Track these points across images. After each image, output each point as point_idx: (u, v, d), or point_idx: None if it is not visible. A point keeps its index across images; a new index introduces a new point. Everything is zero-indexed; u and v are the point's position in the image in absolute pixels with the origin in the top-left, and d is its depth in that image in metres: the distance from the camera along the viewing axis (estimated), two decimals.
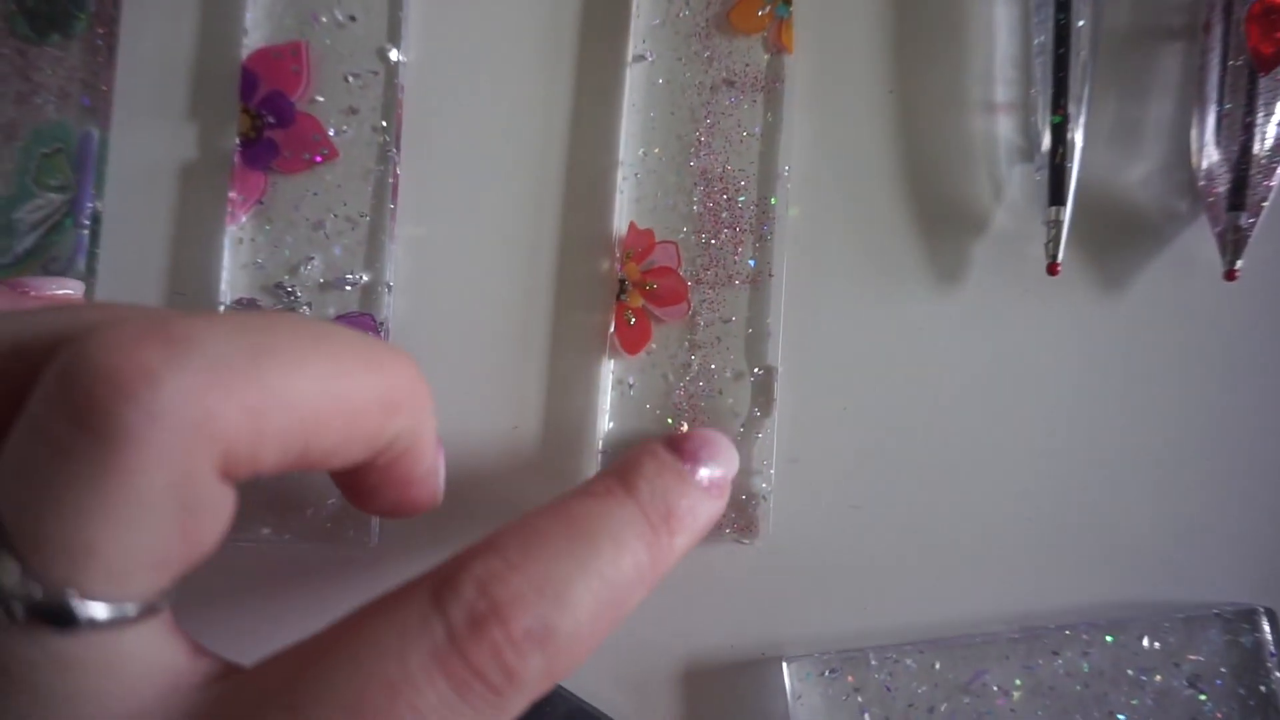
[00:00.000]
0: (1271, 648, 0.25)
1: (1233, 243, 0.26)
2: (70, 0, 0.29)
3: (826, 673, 0.25)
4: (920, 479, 0.27)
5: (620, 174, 0.27)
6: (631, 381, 0.26)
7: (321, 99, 0.28)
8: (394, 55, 0.28)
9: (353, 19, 0.28)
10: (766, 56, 0.28)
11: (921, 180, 0.28)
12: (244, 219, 0.27)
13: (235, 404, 0.13)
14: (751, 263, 0.27)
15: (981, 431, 0.27)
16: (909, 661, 0.25)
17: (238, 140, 0.28)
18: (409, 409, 0.17)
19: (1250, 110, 0.26)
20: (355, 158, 0.28)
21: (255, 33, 0.28)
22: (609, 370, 0.27)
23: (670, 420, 0.26)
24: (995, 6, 0.29)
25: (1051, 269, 0.26)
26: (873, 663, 0.25)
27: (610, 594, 0.16)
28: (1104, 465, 0.27)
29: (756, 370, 0.26)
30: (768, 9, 0.28)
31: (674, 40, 0.28)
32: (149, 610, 0.14)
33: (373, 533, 0.26)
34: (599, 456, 0.26)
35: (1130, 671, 0.25)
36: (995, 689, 0.25)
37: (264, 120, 0.28)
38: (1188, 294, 0.27)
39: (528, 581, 0.15)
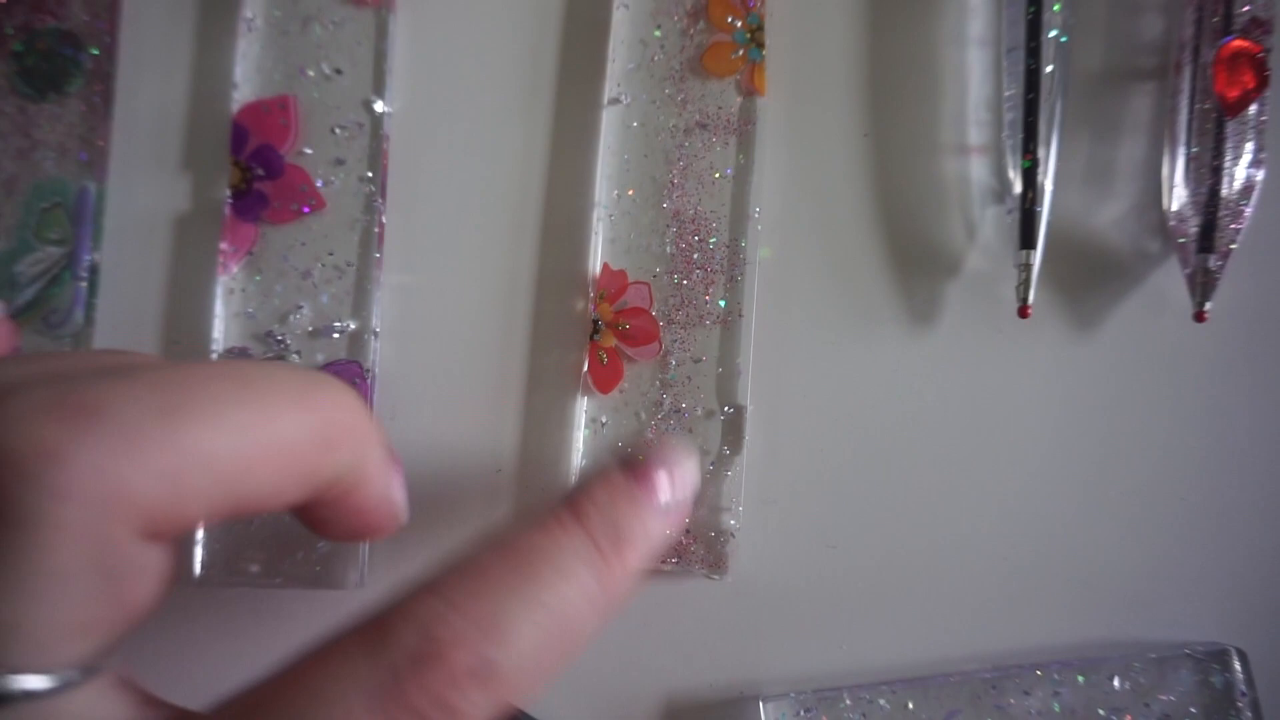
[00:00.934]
0: (1242, 687, 0.25)
1: (1202, 284, 0.26)
2: (68, 59, 0.30)
3: (802, 712, 0.25)
4: (894, 519, 0.27)
5: (595, 215, 0.28)
6: (604, 419, 0.27)
7: (309, 151, 0.29)
8: (379, 106, 0.29)
9: (339, 72, 0.29)
10: (739, 99, 0.28)
11: (895, 221, 0.28)
12: (235, 269, 0.28)
13: (148, 470, 0.14)
14: (722, 303, 0.27)
15: (955, 471, 0.27)
16: (882, 701, 0.25)
17: (229, 192, 0.28)
18: (348, 443, 0.17)
19: (1218, 153, 0.26)
20: (342, 207, 0.29)
21: (245, 87, 0.29)
22: (582, 408, 0.27)
23: (641, 459, 0.27)
24: (968, 51, 0.29)
25: (1023, 311, 0.26)
26: (847, 702, 0.25)
27: (556, 624, 0.17)
28: (1076, 505, 0.27)
29: (727, 409, 0.27)
30: (741, 52, 0.28)
31: (649, 83, 0.29)
32: (88, 673, 0.14)
33: (361, 574, 0.27)
34: None
35: (1101, 711, 0.25)
36: None
37: (254, 172, 0.29)
38: (1159, 334, 0.27)
39: (468, 620, 0.15)
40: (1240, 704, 0.25)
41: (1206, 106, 0.27)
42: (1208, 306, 0.26)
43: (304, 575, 0.27)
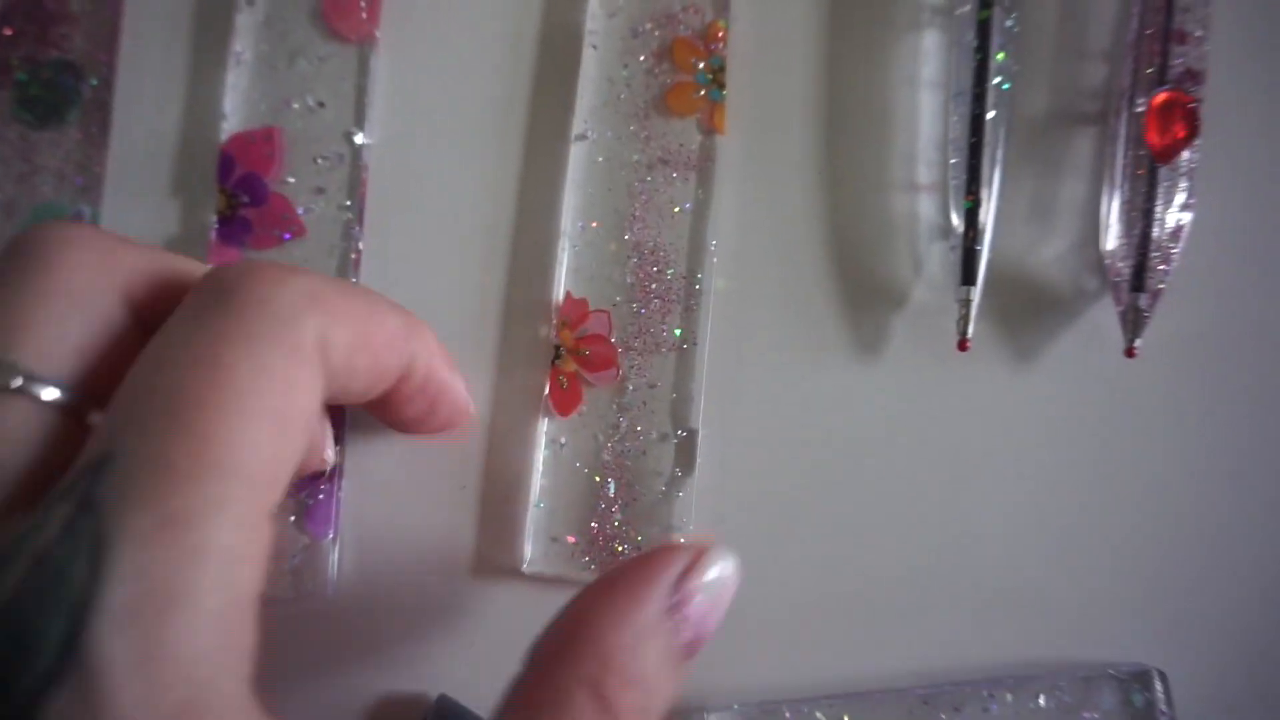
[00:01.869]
0: (1163, 706, 0.26)
1: (1132, 322, 0.28)
2: (68, 90, 0.31)
3: None
4: (835, 539, 0.28)
5: (560, 245, 0.30)
6: (563, 440, 0.29)
7: (292, 180, 0.30)
8: (359, 138, 0.30)
9: (322, 105, 0.31)
10: (700, 137, 0.30)
11: (846, 255, 0.30)
12: None
13: (343, 328, 0.19)
14: (678, 332, 0.29)
15: (894, 495, 0.28)
16: (819, 715, 0.27)
17: (215, 218, 0.30)
18: (418, 333, 0.23)
19: (1150, 198, 0.28)
20: (322, 235, 0.30)
21: (233, 118, 0.31)
22: (543, 429, 0.29)
23: (598, 479, 0.28)
24: (920, 93, 0.31)
25: (962, 345, 0.28)
26: (786, 715, 0.27)
27: None
28: (1010, 528, 0.28)
29: (680, 432, 0.28)
30: (703, 92, 0.30)
31: (614, 120, 0.30)
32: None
33: (330, 583, 0.28)
34: (531, 509, 0.28)
35: None
36: None
37: (239, 200, 0.30)
38: (1093, 368, 0.29)
39: None
40: None
41: (1140, 153, 0.28)
42: (1138, 343, 0.27)
43: (277, 584, 0.28)
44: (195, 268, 0.21)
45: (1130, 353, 0.27)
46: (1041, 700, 0.26)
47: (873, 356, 0.29)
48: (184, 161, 0.31)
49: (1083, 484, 0.28)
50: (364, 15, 0.31)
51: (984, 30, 0.28)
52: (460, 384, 0.25)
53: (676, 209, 0.30)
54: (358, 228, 0.30)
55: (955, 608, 0.28)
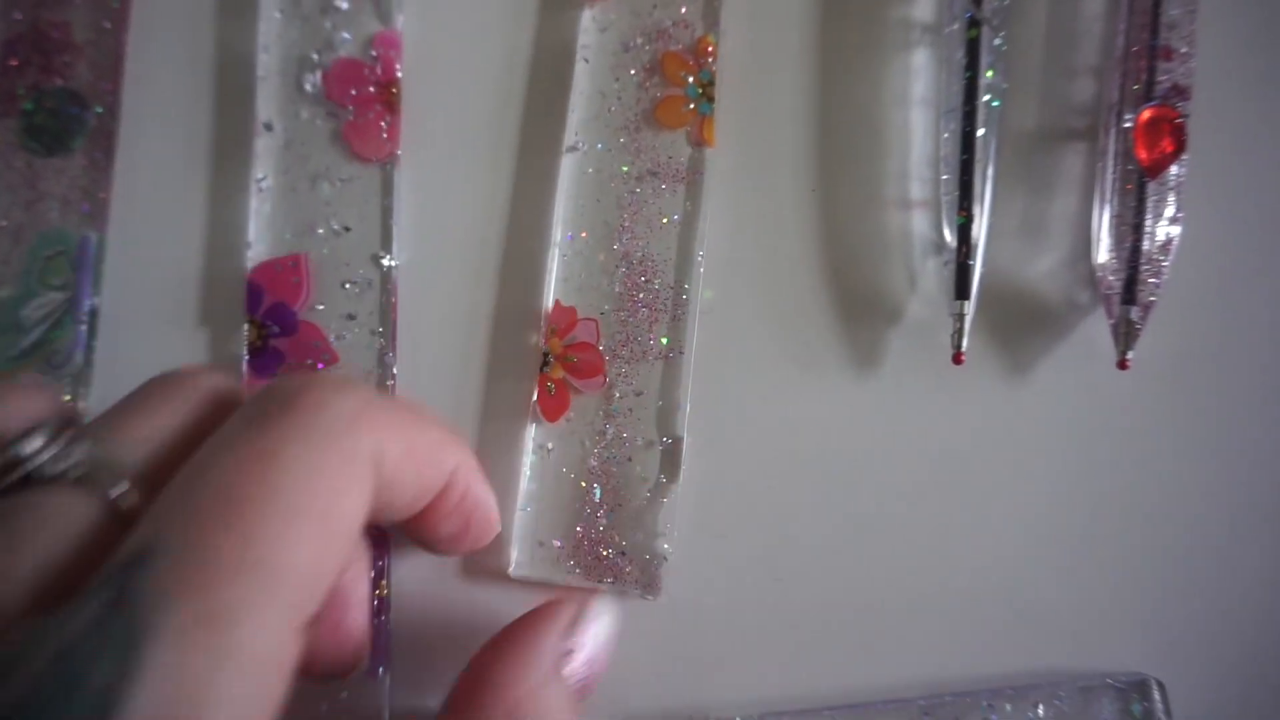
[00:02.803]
0: (1161, 716, 0.26)
1: (1124, 335, 0.28)
2: (73, 118, 0.32)
3: None
4: (832, 550, 0.29)
5: (551, 255, 0.30)
6: (550, 446, 0.29)
7: (322, 307, 0.30)
8: (387, 261, 0.30)
9: (347, 229, 0.31)
10: (689, 150, 0.30)
11: (839, 270, 0.30)
12: None
13: (379, 424, 0.19)
14: (665, 340, 0.29)
15: (891, 508, 0.29)
16: None
17: (245, 351, 0.30)
18: (458, 446, 0.23)
19: (1139, 212, 0.28)
20: (355, 361, 0.30)
21: (258, 245, 0.30)
22: (531, 435, 0.29)
23: (584, 484, 0.28)
24: (912, 111, 0.31)
25: (956, 359, 0.28)
26: None
27: None
28: (1006, 539, 0.28)
29: (665, 439, 0.29)
30: (692, 106, 0.30)
31: (605, 132, 0.31)
32: None
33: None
34: (518, 513, 0.28)
35: None
36: None
37: (269, 330, 0.30)
38: (1087, 380, 0.29)
39: None
40: None
41: (1129, 168, 0.28)
42: (1130, 355, 0.28)
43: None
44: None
45: (1123, 365, 0.28)
46: (1040, 710, 0.27)
47: (867, 370, 0.30)
48: (209, 292, 0.31)
49: (1079, 495, 0.28)
50: (385, 135, 0.31)
51: (973, 48, 0.29)
52: (492, 499, 0.25)
53: (665, 220, 0.30)
54: (391, 354, 0.30)
55: (953, 619, 0.28)
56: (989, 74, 0.29)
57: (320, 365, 0.30)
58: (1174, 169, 0.28)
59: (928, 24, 0.31)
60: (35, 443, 0.18)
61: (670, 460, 0.28)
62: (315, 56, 0.31)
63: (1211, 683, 0.27)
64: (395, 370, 0.30)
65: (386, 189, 0.31)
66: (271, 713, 0.16)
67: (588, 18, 0.31)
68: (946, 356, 0.28)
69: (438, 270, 0.31)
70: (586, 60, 0.31)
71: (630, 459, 0.29)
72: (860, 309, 0.30)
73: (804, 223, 0.30)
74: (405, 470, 0.20)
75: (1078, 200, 0.30)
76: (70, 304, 0.31)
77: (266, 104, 0.32)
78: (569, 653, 0.22)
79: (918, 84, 0.31)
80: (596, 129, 0.31)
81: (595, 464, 0.29)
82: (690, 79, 0.30)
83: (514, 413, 0.30)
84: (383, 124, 0.31)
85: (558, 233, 0.30)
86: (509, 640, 0.22)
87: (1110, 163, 0.29)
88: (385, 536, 0.28)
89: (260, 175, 0.31)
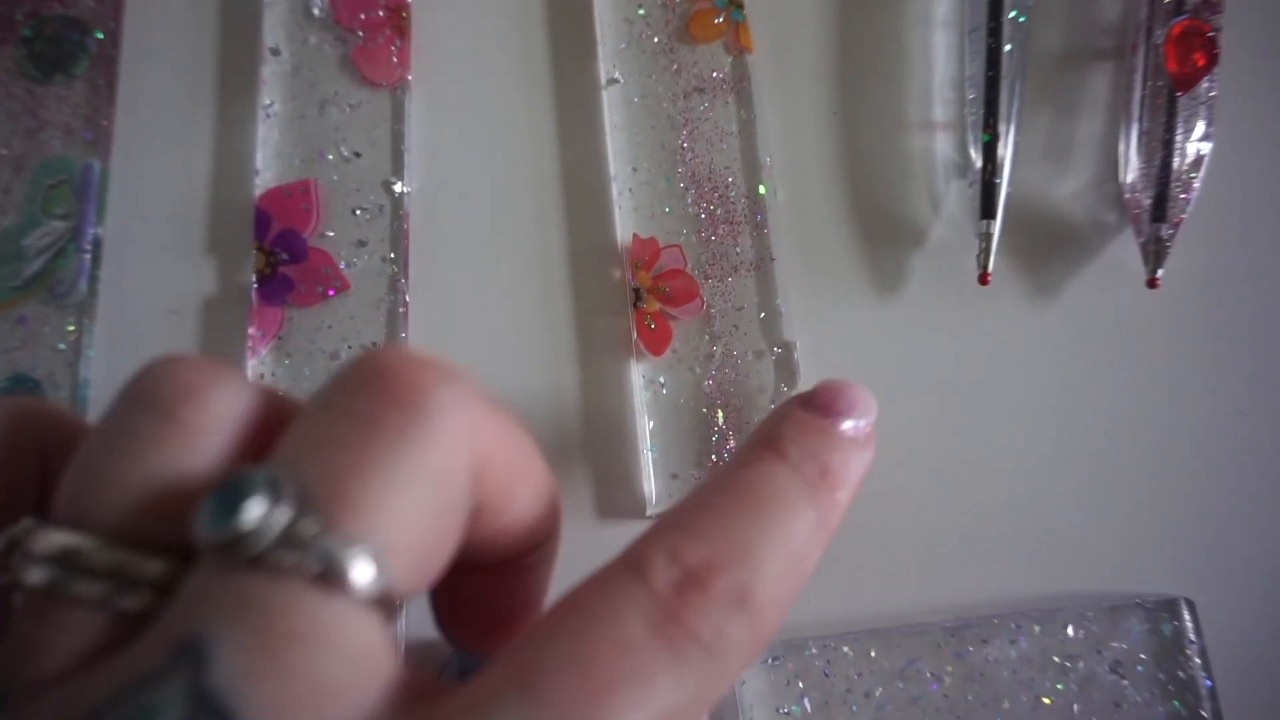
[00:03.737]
0: (1191, 635, 0.26)
1: (1154, 253, 0.27)
2: (74, 43, 0.31)
3: (770, 659, 0.27)
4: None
5: (613, 190, 0.29)
6: (662, 380, 0.28)
7: (331, 233, 0.29)
8: (398, 187, 0.29)
9: (358, 155, 0.30)
10: (730, 59, 0.30)
11: (862, 194, 0.30)
12: (264, 353, 0.29)
13: (480, 421, 0.15)
14: (752, 251, 0.29)
15: (918, 432, 0.28)
16: (846, 649, 0.26)
17: (254, 278, 0.29)
18: (539, 471, 0.18)
19: (1170, 128, 0.28)
20: (366, 288, 0.29)
21: (266, 172, 0.30)
22: (639, 373, 0.28)
23: (705, 410, 0.28)
24: (934, 33, 0.30)
25: (983, 279, 0.28)
26: (812, 650, 0.27)
27: (792, 555, 0.17)
28: (1035, 463, 0.28)
29: (776, 349, 0.28)
30: (722, 17, 0.30)
31: (641, 59, 0.30)
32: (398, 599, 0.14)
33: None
34: (647, 454, 0.28)
35: (1056, 658, 0.26)
36: (928, 675, 0.26)
37: (278, 257, 0.29)
38: (1115, 300, 0.29)
39: (714, 549, 0.16)
40: (1189, 651, 0.26)
41: (1159, 84, 0.28)
42: (1160, 273, 0.27)
43: None
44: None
45: (1153, 283, 0.27)
46: (1070, 631, 0.26)
47: (892, 294, 0.29)
48: (217, 220, 0.30)
49: (1107, 416, 0.28)
50: (395, 60, 0.30)
51: None
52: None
53: (723, 132, 0.29)
54: (403, 280, 0.29)
55: (980, 542, 0.28)
56: None
57: (331, 293, 0.29)
58: (1204, 84, 0.27)
59: None
60: (255, 509, 0.13)
61: (786, 367, 0.28)
62: None
63: (1241, 602, 0.27)
64: (408, 298, 0.29)
65: (397, 114, 0.30)
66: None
67: None
68: (971, 279, 0.28)
69: (452, 197, 0.30)
70: None
71: (745, 374, 0.28)
72: (884, 233, 0.29)
73: (827, 148, 0.30)
74: (519, 485, 0.17)
75: (1104, 122, 0.30)
76: (73, 233, 0.30)
77: (273, 29, 0.31)
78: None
79: (940, 5, 0.31)
80: (631, 57, 0.30)
81: (711, 386, 0.28)
82: None
83: (613, 354, 0.29)
84: (393, 48, 0.30)
85: (616, 167, 0.29)
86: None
87: (1139, 80, 0.28)
88: None
89: (268, 101, 0.30)
